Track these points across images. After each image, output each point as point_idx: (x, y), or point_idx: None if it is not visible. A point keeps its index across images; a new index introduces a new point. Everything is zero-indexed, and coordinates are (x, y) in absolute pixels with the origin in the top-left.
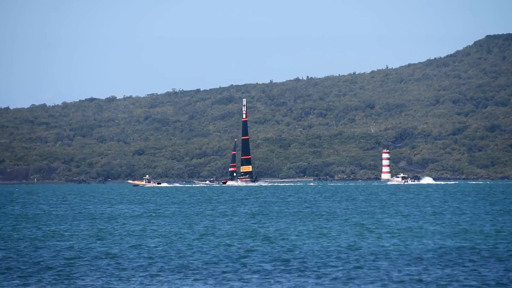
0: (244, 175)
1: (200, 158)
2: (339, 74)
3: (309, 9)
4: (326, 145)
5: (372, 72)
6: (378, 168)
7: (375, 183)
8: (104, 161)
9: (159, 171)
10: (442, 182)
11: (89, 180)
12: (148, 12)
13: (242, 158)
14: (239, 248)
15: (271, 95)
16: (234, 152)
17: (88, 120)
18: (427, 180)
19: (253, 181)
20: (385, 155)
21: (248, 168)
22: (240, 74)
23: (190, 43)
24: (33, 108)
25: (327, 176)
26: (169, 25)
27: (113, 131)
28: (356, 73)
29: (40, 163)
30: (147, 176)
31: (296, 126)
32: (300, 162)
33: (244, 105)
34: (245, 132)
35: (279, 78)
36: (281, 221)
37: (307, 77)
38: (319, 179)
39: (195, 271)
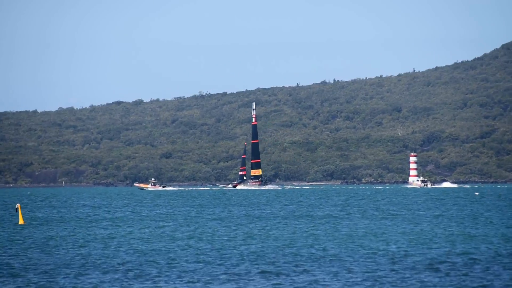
0: (254, 179)
1: (227, 161)
2: (366, 77)
3: (336, 12)
4: (353, 148)
5: (399, 75)
6: (405, 172)
7: (403, 185)
8: (131, 164)
9: (186, 174)
10: (468, 186)
11: (116, 183)
12: (174, 16)
13: (252, 162)
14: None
15: (298, 98)
16: (244, 156)
17: (115, 123)
18: (447, 184)
19: (263, 185)
20: (412, 159)
21: (258, 172)
22: (267, 77)
23: (217, 47)
24: (60, 111)
25: (355, 180)
26: (196, 29)
27: (140, 134)
28: (383, 76)
29: (68, 166)
30: (152, 179)
31: (323, 130)
32: (327, 166)
33: (253, 109)
34: (255, 136)
35: (305, 81)
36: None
37: (334, 80)
38: (346, 182)
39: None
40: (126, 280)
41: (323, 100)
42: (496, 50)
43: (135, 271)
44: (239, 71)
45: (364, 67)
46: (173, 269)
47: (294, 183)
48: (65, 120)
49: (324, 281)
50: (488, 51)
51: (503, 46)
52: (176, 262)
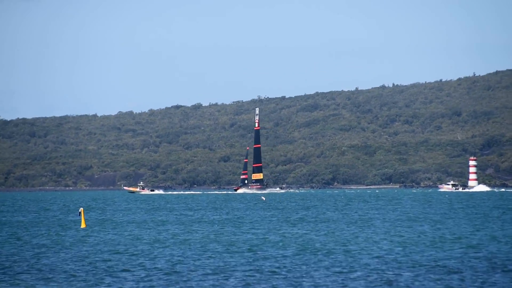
0: (255, 183)
1: (285, 165)
2: (426, 81)
3: (395, 16)
4: (412, 152)
5: (459, 79)
6: (465, 175)
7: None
8: (190, 168)
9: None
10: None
11: (175, 186)
12: (233, 19)
13: (253, 166)
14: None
15: (357, 102)
16: (246, 160)
17: (174, 127)
18: (479, 187)
19: (264, 189)
20: (472, 162)
21: (259, 176)
22: (326, 81)
23: (275, 50)
24: (120, 115)
25: (413, 183)
26: (256, 32)
27: (199, 138)
28: (443, 80)
29: (127, 169)
30: (141, 183)
31: (382, 133)
32: (386, 169)
33: (256, 114)
34: (257, 140)
35: (364, 85)
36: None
37: (393, 84)
38: (405, 186)
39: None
40: None
41: (382, 104)
42: None
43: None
44: (298, 75)
45: (423, 71)
46: None
47: (352, 187)
48: (125, 124)
49: None
50: None
51: None
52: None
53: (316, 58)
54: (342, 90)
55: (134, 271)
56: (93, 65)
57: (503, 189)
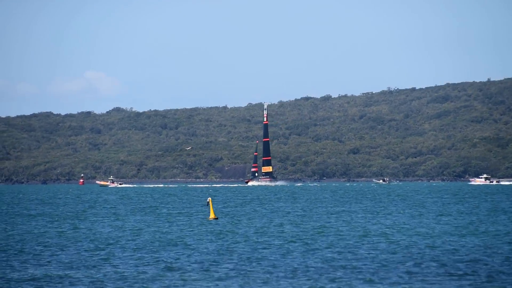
0: (265, 176)
1: (415, 157)
2: None
3: None
4: None
5: None
6: None
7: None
8: (319, 160)
9: (373, 170)
10: None
11: (304, 178)
12: (362, 11)
13: (263, 159)
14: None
15: (489, 94)
16: (256, 154)
17: (303, 118)
18: None
19: (273, 181)
20: None
21: (269, 169)
22: (457, 72)
23: (405, 41)
24: (249, 107)
25: None
26: (385, 23)
27: (328, 129)
28: None
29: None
30: (111, 176)
31: None
32: None
33: (265, 109)
34: (266, 134)
35: (497, 76)
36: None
37: None
38: None
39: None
40: None
41: None
42: None
43: None
44: (429, 66)
45: None
46: None
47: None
48: (254, 116)
49: None
50: None
51: None
52: None
53: (447, 49)
54: (474, 81)
55: None
56: (223, 56)
57: None
